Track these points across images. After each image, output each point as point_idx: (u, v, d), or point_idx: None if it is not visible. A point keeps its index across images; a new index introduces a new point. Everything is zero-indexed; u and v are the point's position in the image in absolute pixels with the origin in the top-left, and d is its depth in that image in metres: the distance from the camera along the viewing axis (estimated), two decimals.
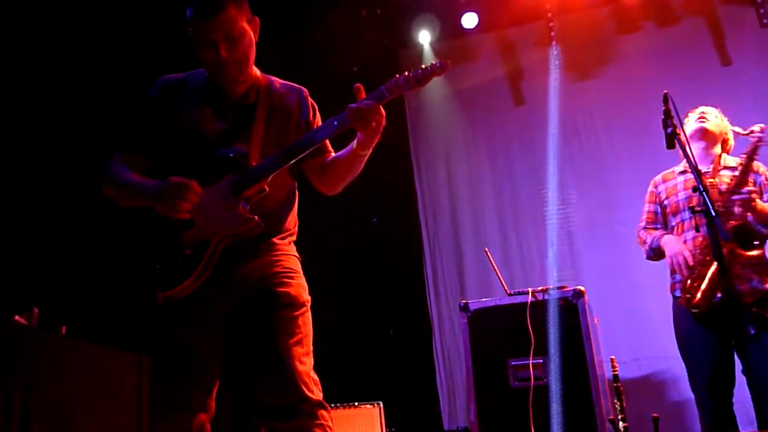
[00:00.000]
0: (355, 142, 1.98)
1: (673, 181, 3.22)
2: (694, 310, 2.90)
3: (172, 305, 1.95)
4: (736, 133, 2.99)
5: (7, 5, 4.15)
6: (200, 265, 1.92)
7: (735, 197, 2.84)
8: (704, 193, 2.22)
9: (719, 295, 2.83)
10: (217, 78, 2.04)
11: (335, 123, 1.94)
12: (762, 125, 2.93)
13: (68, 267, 4.24)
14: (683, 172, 3.20)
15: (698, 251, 2.93)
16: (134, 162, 2.08)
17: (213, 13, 1.94)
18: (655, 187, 3.29)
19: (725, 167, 3.10)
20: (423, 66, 1.89)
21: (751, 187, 2.87)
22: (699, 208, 2.23)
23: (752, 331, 2.63)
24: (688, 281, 2.93)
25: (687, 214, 3.07)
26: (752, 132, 2.92)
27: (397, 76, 1.91)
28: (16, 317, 3.11)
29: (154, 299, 1.97)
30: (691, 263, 2.91)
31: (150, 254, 1.98)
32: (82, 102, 4.51)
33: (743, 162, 2.91)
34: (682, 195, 3.13)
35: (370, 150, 2.00)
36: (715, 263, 2.77)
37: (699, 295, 2.87)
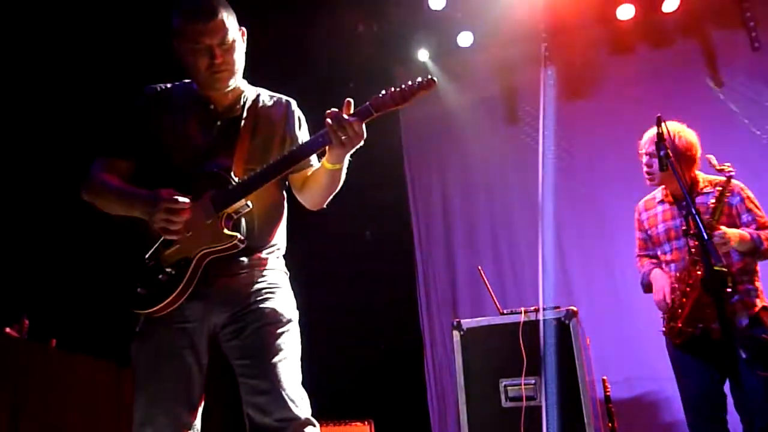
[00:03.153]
0: (326, 156, 1.95)
1: (653, 210, 3.23)
2: (675, 341, 2.92)
3: (156, 322, 1.92)
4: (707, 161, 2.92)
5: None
6: (181, 283, 1.89)
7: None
8: (697, 216, 2.22)
9: (700, 326, 2.86)
10: (209, 86, 2.02)
11: (320, 140, 1.92)
12: (729, 165, 2.89)
13: (58, 280, 4.21)
14: (662, 201, 3.20)
15: (680, 284, 2.94)
16: (116, 168, 2.04)
17: (208, 17, 1.92)
18: (639, 214, 3.31)
19: (700, 193, 3.05)
20: (409, 83, 1.86)
21: (720, 231, 2.79)
22: (693, 231, 2.24)
23: (744, 356, 2.63)
24: (669, 313, 2.95)
25: (668, 247, 3.09)
26: (723, 170, 2.88)
27: (383, 92, 1.88)
28: (7, 329, 3.09)
29: (136, 316, 1.95)
30: (668, 302, 2.93)
31: (131, 272, 1.95)
32: (69, 110, 4.50)
33: (714, 204, 2.86)
34: (661, 227, 3.14)
35: (343, 166, 1.96)
36: (698, 293, 2.79)
37: (680, 325, 2.89)
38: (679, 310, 2.91)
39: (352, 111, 1.90)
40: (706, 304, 2.78)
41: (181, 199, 1.89)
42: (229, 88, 2.05)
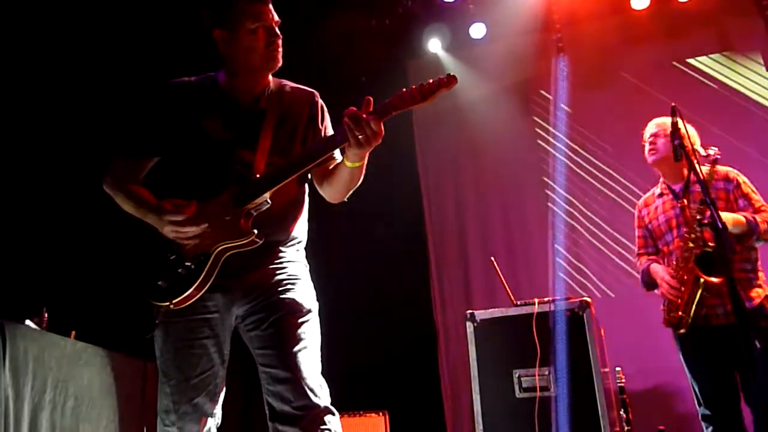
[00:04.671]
0: (345, 154, 1.93)
1: (653, 204, 3.21)
2: (679, 331, 2.91)
3: (178, 313, 1.95)
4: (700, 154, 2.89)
5: (8, 6, 4.19)
6: (200, 277, 1.91)
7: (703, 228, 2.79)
8: (712, 205, 2.22)
9: (702, 313, 2.85)
10: (265, 66, 2.06)
11: (338, 138, 1.91)
12: (716, 149, 2.90)
13: (78, 272, 4.27)
14: (661, 195, 3.18)
15: (678, 272, 2.92)
16: (138, 166, 2.08)
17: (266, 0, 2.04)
18: (640, 211, 3.29)
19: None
20: (429, 80, 1.84)
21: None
22: (706, 221, 2.23)
23: (759, 346, 2.62)
24: (669, 303, 2.93)
25: (669, 237, 3.07)
26: (709, 155, 2.87)
27: (403, 90, 1.85)
28: (27, 321, 3.14)
29: (156, 308, 1.98)
30: (675, 285, 2.89)
31: (153, 264, 1.98)
32: (92, 108, 4.55)
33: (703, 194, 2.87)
34: (662, 218, 3.12)
35: (363, 163, 1.94)
36: (697, 283, 2.80)
37: (681, 314, 2.87)
38: (678, 300, 2.89)
39: (372, 109, 1.87)
40: (707, 291, 2.79)
41: (181, 213, 1.91)
42: (277, 68, 2.10)
